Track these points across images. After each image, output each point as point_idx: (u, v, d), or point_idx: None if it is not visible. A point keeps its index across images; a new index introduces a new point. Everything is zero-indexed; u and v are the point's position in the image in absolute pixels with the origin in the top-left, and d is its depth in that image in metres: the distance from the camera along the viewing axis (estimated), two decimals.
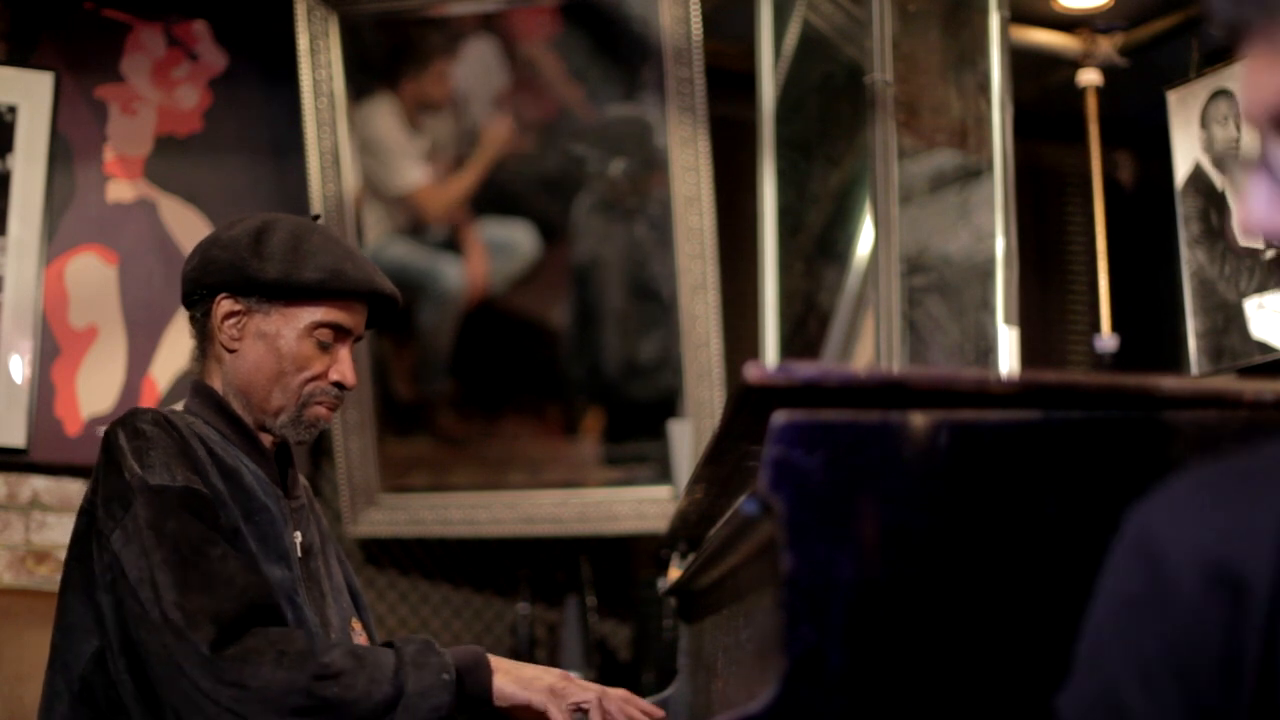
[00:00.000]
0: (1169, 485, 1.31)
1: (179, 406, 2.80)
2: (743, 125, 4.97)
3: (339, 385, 2.77)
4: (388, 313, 2.85)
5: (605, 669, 5.25)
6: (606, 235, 4.97)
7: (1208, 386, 1.70)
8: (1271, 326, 5.01)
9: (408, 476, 5.13)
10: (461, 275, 5.05)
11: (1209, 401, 1.69)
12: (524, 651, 5.10)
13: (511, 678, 2.59)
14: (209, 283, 2.75)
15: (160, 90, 5.09)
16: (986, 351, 4.28)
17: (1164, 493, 1.31)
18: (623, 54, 4.86)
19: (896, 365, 4.02)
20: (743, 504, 1.85)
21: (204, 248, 2.79)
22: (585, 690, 2.60)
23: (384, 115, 5.02)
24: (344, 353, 2.77)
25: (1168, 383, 1.69)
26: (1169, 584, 1.26)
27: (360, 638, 2.85)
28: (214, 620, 2.41)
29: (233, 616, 2.42)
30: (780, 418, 1.63)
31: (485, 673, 2.57)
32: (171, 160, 5.08)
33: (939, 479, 1.64)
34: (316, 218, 2.89)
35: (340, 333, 2.76)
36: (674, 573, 3.28)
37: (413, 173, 5.04)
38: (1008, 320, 4.24)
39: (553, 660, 5.05)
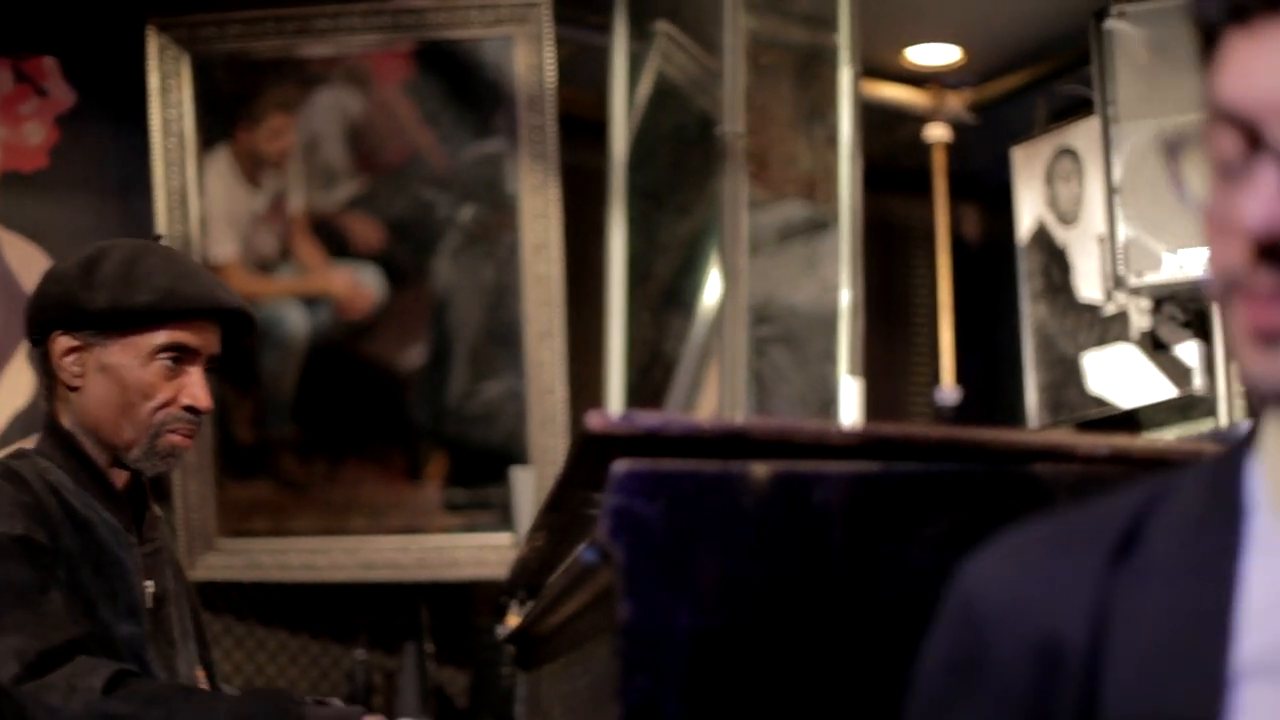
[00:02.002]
0: (993, 546, 1.32)
1: (30, 443, 2.75)
2: (594, 173, 4.98)
3: (192, 410, 2.69)
4: (242, 329, 2.79)
5: (442, 716, 5.21)
6: (454, 281, 4.95)
7: (1043, 440, 1.72)
8: (1107, 381, 5.09)
9: (247, 521, 5.07)
10: (304, 318, 5.00)
11: (1044, 455, 1.71)
12: (360, 698, 5.04)
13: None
14: (43, 320, 2.69)
15: (6, 126, 5.00)
16: (829, 402, 4.31)
17: (987, 554, 1.31)
18: (476, 99, 4.86)
19: (740, 415, 4.04)
20: (582, 552, 1.84)
21: (40, 283, 2.74)
22: None
23: (218, 171, 4.96)
24: (194, 375, 2.69)
25: (1004, 436, 1.70)
26: (988, 650, 1.26)
27: (205, 688, 2.80)
28: (18, 657, 2.38)
29: (39, 653, 2.39)
30: (621, 466, 1.62)
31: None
32: (16, 197, 4.99)
33: (778, 530, 1.63)
34: (158, 238, 2.83)
35: (186, 354, 2.68)
36: (513, 620, 3.26)
37: (226, 245, 4.98)
38: (851, 371, 4.28)
39: (389, 708, 5.00)
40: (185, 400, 2.68)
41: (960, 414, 5.48)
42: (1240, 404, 4.66)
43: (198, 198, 4.93)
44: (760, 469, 1.63)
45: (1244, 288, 1.14)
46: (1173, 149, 1.20)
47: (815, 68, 4.65)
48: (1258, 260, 1.13)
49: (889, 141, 5.56)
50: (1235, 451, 1.28)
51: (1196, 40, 1.21)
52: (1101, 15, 4.64)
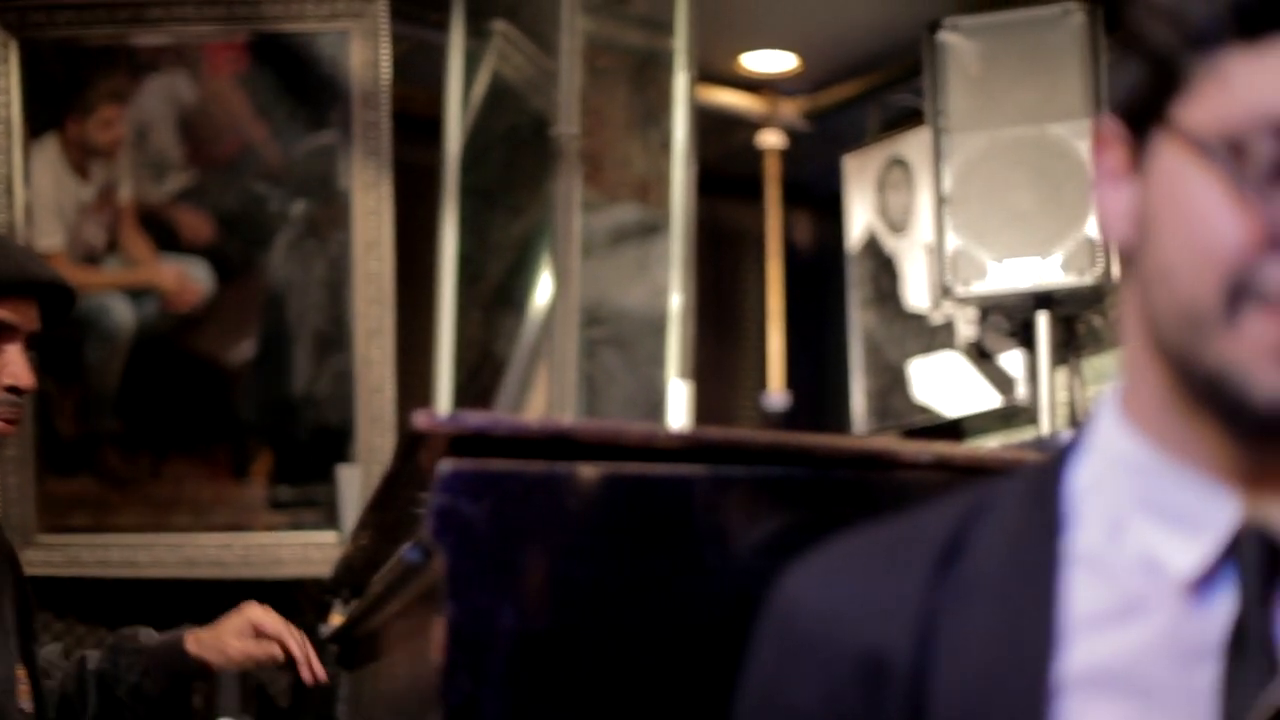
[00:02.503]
0: (814, 555, 1.32)
1: None
2: (427, 171, 4.95)
3: (14, 390, 2.63)
4: (62, 306, 2.72)
5: (263, 715, 5.15)
6: (285, 276, 4.90)
7: (868, 446, 1.73)
8: (933, 389, 5.15)
9: (68, 516, 4.98)
10: (130, 311, 4.93)
11: (869, 461, 1.72)
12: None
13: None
14: None
15: None
16: (658, 405, 4.32)
17: (809, 563, 1.31)
18: (311, 94, 4.82)
19: (569, 416, 4.03)
20: (406, 551, 1.83)
21: None
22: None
23: (46, 160, 4.87)
24: (13, 353, 2.62)
25: (830, 442, 1.72)
26: (810, 662, 1.26)
27: (24, 687, 2.75)
28: None
29: None
30: (447, 466, 1.61)
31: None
32: None
33: (604, 531, 1.64)
34: None
35: (4, 332, 2.61)
36: (337, 619, 3.24)
37: (51, 236, 4.90)
38: (681, 375, 4.29)
39: (209, 706, 4.94)
40: (6, 380, 2.62)
41: (788, 419, 5.52)
42: (1062, 413, 4.74)
43: (23, 187, 4.83)
44: (587, 470, 1.64)
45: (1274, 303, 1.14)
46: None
47: (651, 72, 4.66)
48: None
49: (723, 147, 5.59)
50: (1056, 461, 1.29)
51: (1161, 56, 1.21)
52: (935, 27, 4.70)
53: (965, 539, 1.26)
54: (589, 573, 1.63)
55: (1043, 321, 4.62)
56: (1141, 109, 1.21)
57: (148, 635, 2.95)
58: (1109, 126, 1.25)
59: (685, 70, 4.58)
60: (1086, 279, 4.41)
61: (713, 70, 5.23)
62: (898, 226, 5.26)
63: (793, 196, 5.80)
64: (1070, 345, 4.88)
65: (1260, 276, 1.13)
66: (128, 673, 2.78)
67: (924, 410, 5.18)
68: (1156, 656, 1.18)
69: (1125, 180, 1.23)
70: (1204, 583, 1.19)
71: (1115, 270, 4.29)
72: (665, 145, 4.55)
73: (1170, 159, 1.18)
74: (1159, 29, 1.20)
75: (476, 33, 4.94)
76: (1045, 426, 4.67)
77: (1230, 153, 1.14)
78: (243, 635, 2.86)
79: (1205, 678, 1.17)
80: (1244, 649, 1.16)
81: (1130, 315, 1.25)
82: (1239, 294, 1.13)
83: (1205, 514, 1.20)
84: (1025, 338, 4.81)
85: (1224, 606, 1.18)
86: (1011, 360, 4.95)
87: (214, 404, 4.98)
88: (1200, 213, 1.15)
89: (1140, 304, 1.22)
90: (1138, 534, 1.22)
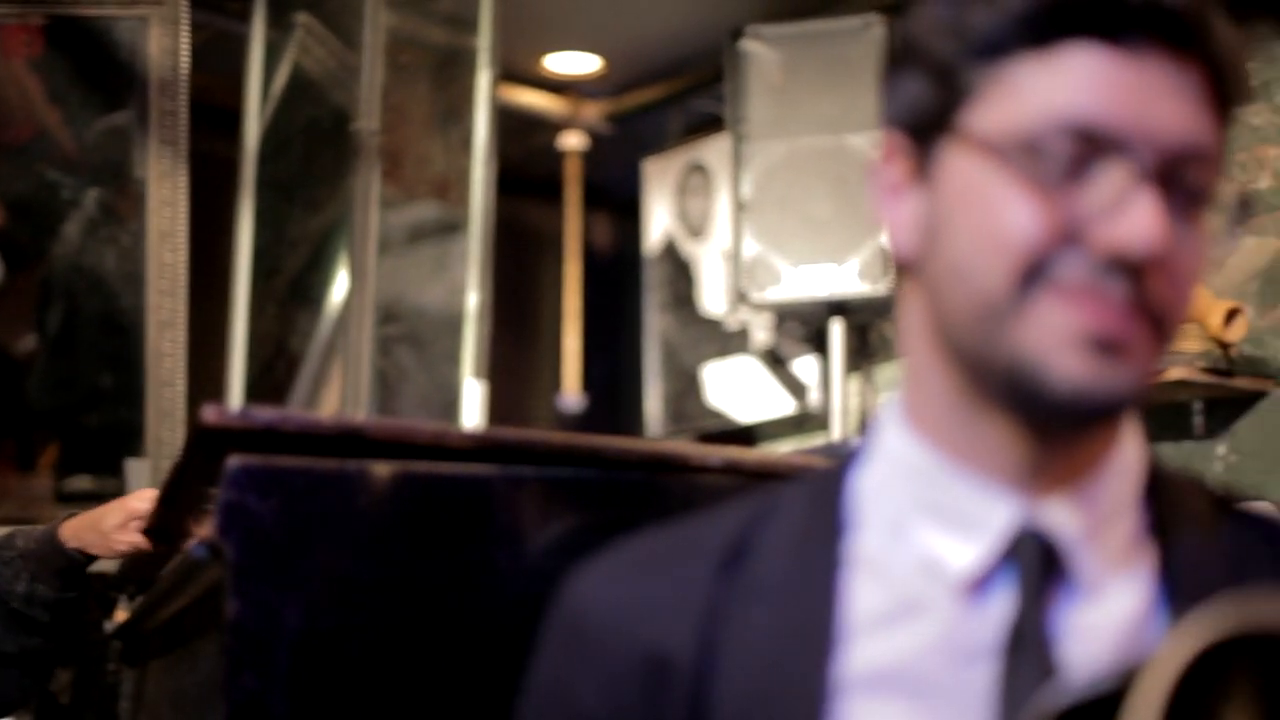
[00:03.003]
0: (601, 557, 1.32)
1: None
2: (225, 163, 4.89)
3: None
4: None
5: (43, 712, 5.05)
6: (76, 265, 4.81)
7: (659, 449, 1.75)
8: (727, 393, 5.19)
9: None
10: None
11: (660, 464, 1.73)
12: None
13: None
14: None
15: None
16: (452, 404, 4.31)
17: (595, 565, 1.32)
18: (107, 80, 4.73)
19: (363, 414, 4.01)
20: (193, 547, 1.81)
21: None
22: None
23: None
24: None
25: (621, 444, 1.73)
26: (594, 661, 1.27)
27: None
28: None
29: None
30: (235, 461, 1.60)
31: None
32: None
33: (393, 530, 1.63)
34: None
35: None
36: (121, 615, 3.18)
37: None
38: (475, 374, 4.29)
39: None
40: None
41: (583, 421, 5.54)
42: (854, 419, 4.80)
43: None
44: (378, 469, 1.63)
45: (1083, 291, 1.16)
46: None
47: (454, 69, 4.65)
48: (1110, 269, 1.15)
49: (524, 147, 5.59)
50: (841, 467, 1.31)
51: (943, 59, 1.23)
52: (737, 35, 4.74)
53: (750, 542, 1.28)
54: (377, 571, 1.62)
55: (837, 329, 4.68)
56: (926, 120, 1.23)
57: (24, 537, 2.87)
58: (889, 140, 1.27)
59: (488, 69, 4.58)
60: (880, 288, 4.47)
61: (516, 70, 5.23)
62: (696, 231, 5.30)
63: (593, 198, 5.82)
64: (863, 353, 4.95)
65: (1056, 267, 1.16)
66: (14, 582, 2.72)
67: (718, 414, 5.22)
68: (934, 657, 1.20)
69: (909, 191, 1.25)
70: (982, 583, 1.22)
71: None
72: (466, 144, 4.54)
73: (961, 164, 1.21)
74: (941, 41, 1.22)
75: (278, 24, 4.89)
76: (837, 432, 4.73)
77: (1023, 153, 1.17)
78: (126, 527, 2.81)
79: (983, 678, 1.19)
80: (1021, 649, 1.19)
81: (914, 323, 1.27)
82: (1035, 284, 1.16)
83: (983, 515, 1.23)
84: (819, 344, 4.87)
85: (1002, 607, 1.21)
86: (805, 367, 5.01)
87: (1, 394, 4.89)
88: (995, 209, 1.18)
89: (927, 309, 1.25)
90: (917, 536, 1.24)
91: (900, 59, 1.27)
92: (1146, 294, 1.17)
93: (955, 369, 1.23)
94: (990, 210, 1.18)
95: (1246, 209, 1.17)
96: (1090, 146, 1.16)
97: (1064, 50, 1.17)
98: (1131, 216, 1.15)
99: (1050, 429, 1.21)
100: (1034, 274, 1.16)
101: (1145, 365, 1.19)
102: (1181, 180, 1.18)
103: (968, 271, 1.19)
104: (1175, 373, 4.13)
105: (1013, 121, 1.18)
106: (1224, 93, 1.20)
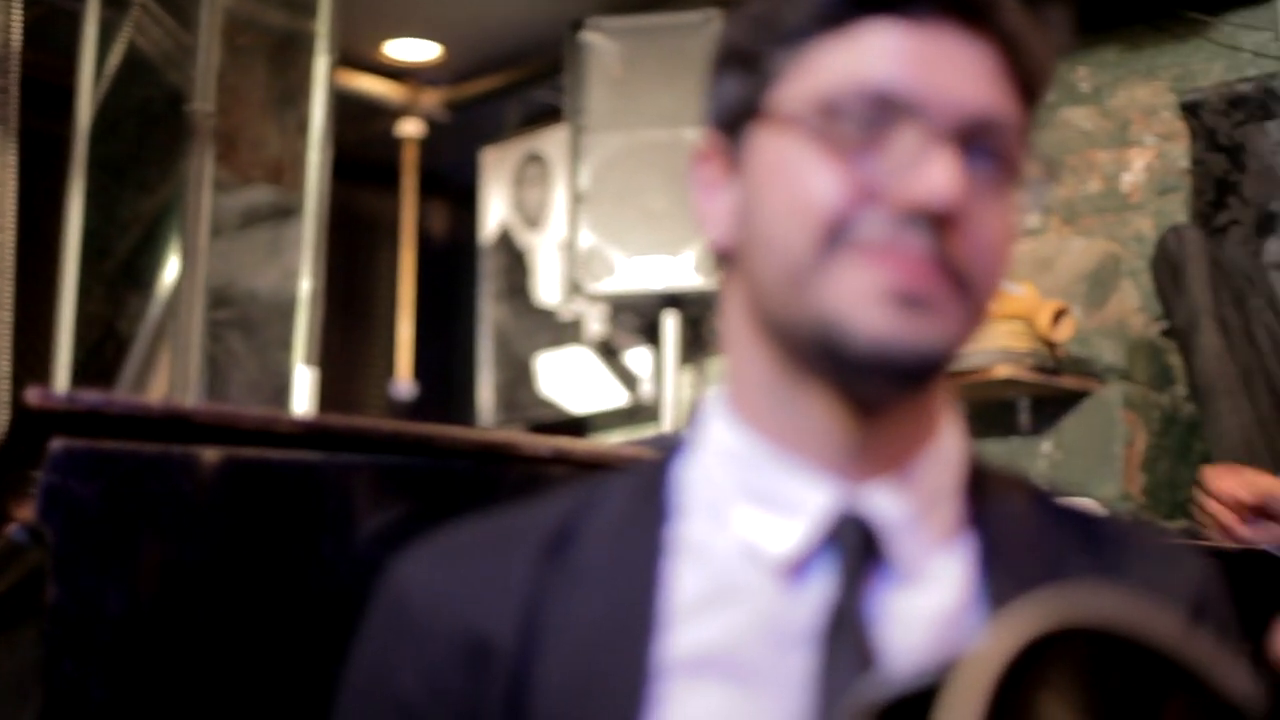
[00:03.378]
0: (424, 543, 1.33)
1: None
2: (56, 142, 4.82)
3: None
4: None
5: None
6: None
7: (489, 438, 1.75)
8: (560, 384, 5.20)
9: None
10: None
11: (489, 453, 1.73)
12: None
13: None
14: None
15: None
16: (283, 390, 4.28)
17: (418, 552, 1.33)
18: None
19: (192, 398, 3.97)
20: (13, 531, 1.78)
21: None
22: None
23: None
24: None
25: (451, 432, 1.72)
26: (415, 645, 1.28)
27: None
28: None
29: None
30: (58, 444, 1.58)
31: None
32: None
33: (219, 515, 1.62)
34: None
35: None
36: None
37: None
38: (307, 361, 4.26)
39: None
40: None
41: (416, 409, 5.52)
42: (686, 411, 4.83)
43: None
44: (204, 454, 1.61)
45: (884, 249, 1.19)
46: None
47: (292, 53, 4.61)
48: (908, 224, 1.18)
49: (361, 133, 5.56)
50: (666, 455, 1.33)
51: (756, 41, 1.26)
52: (578, 26, 4.75)
53: (575, 529, 1.29)
54: (202, 557, 1.61)
55: (670, 321, 4.70)
56: (738, 112, 1.27)
57: None
58: (707, 142, 1.31)
59: (326, 54, 4.54)
60: (714, 281, 4.49)
61: (355, 55, 5.20)
62: (532, 221, 5.30)
63: (429, 186, 5.80)
64: (696, 346, 4.98)
65: (856, 227, 1.19)
66: None
67: (550, 404, 5.23)
68: (754, 641, 1.22)
69: (724, 185, 1.29)
70: (801, 568, 1.24)
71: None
72: (303, 128, 4.50)
73: (767, 144, 1.24)
74: (751, 35, 1.27)
75: (114, 2, 4.82)
76: (668, 424, 4.75)
77: (822, 118, 1.21)
78: None
79: (802, 662, 1.21)
80: (840, 635, 1.21)
81: (734, 311, 1.30)
82: (837, 245, 1.19)
83: (802, 499, 1.25)
84: (652, 337, 4.89)
85: (822, 591, 1.23)
86: (638, 358, 5.03)
87: None
88: (797, 176, 1.21)
89: (744, 295, 1.28)
90: (738, 521, 1.26)
91: (717, 61, 1.31)
92: (947, 251, 1.20)
93: (773, 349, 1.25)
94: (792, 179, 1.22)
95: (1051, 175, 1.20)
96: (886, 111, 1.20)
97: (861, 28, 1.22)
98: (925, 170, 1.18)
99: (865, 399, 1.23)
100: (835, 235, 1.19)
101: (951, 325, 1.21)
102: (980, 148, 1.22)
103: (774, 241, 1.22)
104: (1003, 370, 4.21)
105: (812, 91, 1.22)
106: (1020, 70, 1.24)
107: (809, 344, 1.22)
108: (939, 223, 1.19)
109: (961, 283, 1.21)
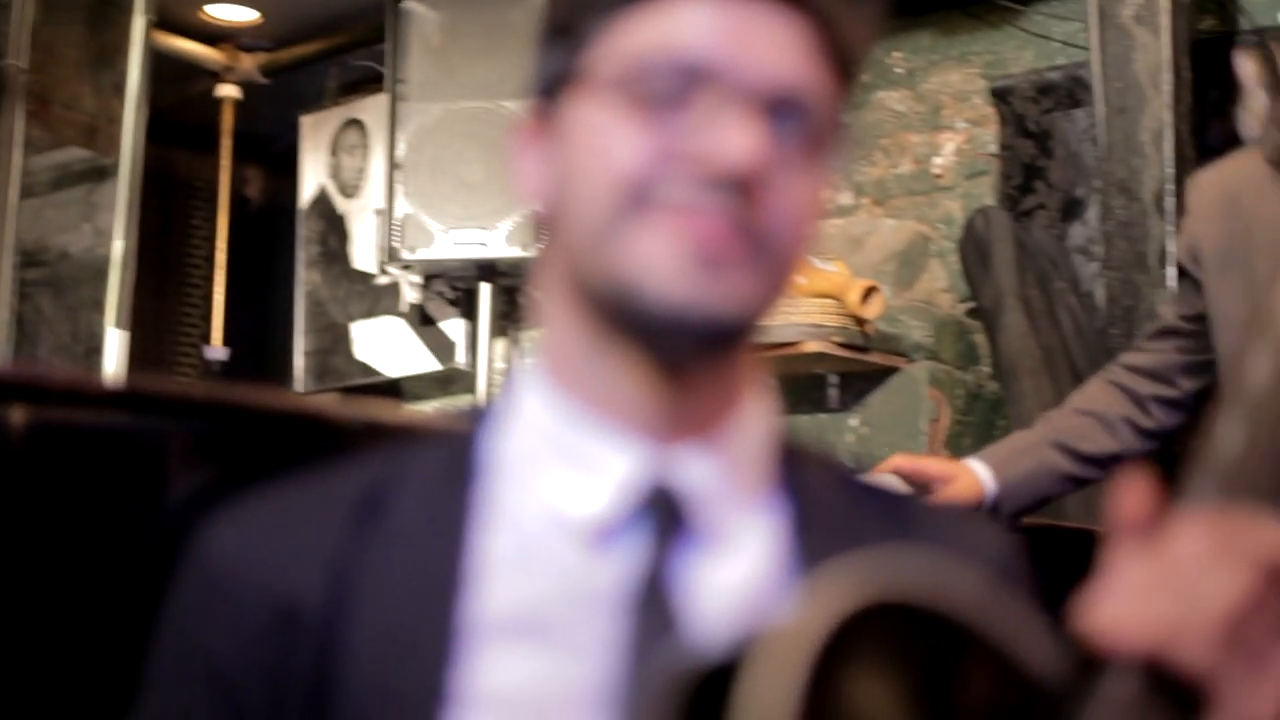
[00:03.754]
0: (233, 508, 1.32)
1: None
2: None
3: None
4: None
5: None
6: None
7: (300, 404, 1.75)
8: (374, 351, 5.19)
9: None
10: None
11: (302, 419, 1.74)
12: None
13: None
14: None
15: None
16: (95, 352, 4.23)
17: (227, 516, 1.32)
18: None
19: None
20: None
21: None
22: None
23: None
24: None
25: (263, 397, 1.73)
26: (224, 610, 1.27)
27: None
28: None
29: None
30: None
31: None
32: None
33: (25, 479, 1.60)
34: None
35: None
36: None
37: None
38: (118, 323, 4.21)
39: None
40: None
41: (229, 373, 5.47)
42: (500, 381, 4.84)
43: None
44: (11, 415, 1.60)
45: (684, 211, 1.20)
46: None
47: (109, 12, 4.55)
48: (709, 188, 1.19)
49: (178, 95, 5.48)
50: (479, 420, 1.33)
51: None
52: None
53: (385, 494, 1.29)
54: (6, 521, 1.59)
55: (485, 291, 4.71)
56: (555, 80, 1.29)
57: None
58: (527, 112, 1.33)
59: (144, 14, 4.50)
60: (530, 252, 4.51)
61: (173, 17, 5.13)
62: (350, 189, 5.28)
63: (246, 150, 5.75)
64: (511, 316, 4.99)
65: (658, 189, 1.20)
66: None
67: (364, 371, 5.20)
68: (560, 604, 1.23)
69: (541, 150, 1.30)
70: (608, 533, 1.24)
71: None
72: (119, 89, 4.45)
73: (579, 109, 1.26)
74: (569, 6, 1.29)
75: None
76: (483, 393, 4.75)
77: (628, 81, 1.23)
78: None
79: (608, 627, 1.22)
80: (646, 601, 1.22)
81: (551, 273, 1.31)
82: (638, 206, 1.20)
83: (609, 464, 1.26)
84: (468, 306, 4.89)
85: (629, 557, 1.24)
86: (453, 327, 5.03)
87: None
88: (602, 136, 1.23)
89: (559, 255, 1.29)
90: (547, 484, 1.27)
91: (539, 32, 1.32)
92: (748, 216, 1.21)
93: (584, 313, 1.26)
94: (598, 140, 1.23)
95: (858, 154, 1.24)
96: (692, 77, 1.22)
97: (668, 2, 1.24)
98: (725, 134, 1.20)
99: (668, 361, 1.24)
100: (637, 196, 1.21)
101: (749, 289, 1.22)
102: (788, 119, 1.24)
103: (581, 199, 1.24)
104: (812, 346, 4.26)
105: (621, 56, 1.24)
106: (834, 48, 1.26)
107: (612, 306, 1.23)
108: (741, 188, 1.20)
109: (761, 248, 1.22)
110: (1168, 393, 2.96)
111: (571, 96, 1.27)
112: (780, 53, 1.24)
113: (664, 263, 1.20)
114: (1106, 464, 2.94)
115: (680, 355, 1.24)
